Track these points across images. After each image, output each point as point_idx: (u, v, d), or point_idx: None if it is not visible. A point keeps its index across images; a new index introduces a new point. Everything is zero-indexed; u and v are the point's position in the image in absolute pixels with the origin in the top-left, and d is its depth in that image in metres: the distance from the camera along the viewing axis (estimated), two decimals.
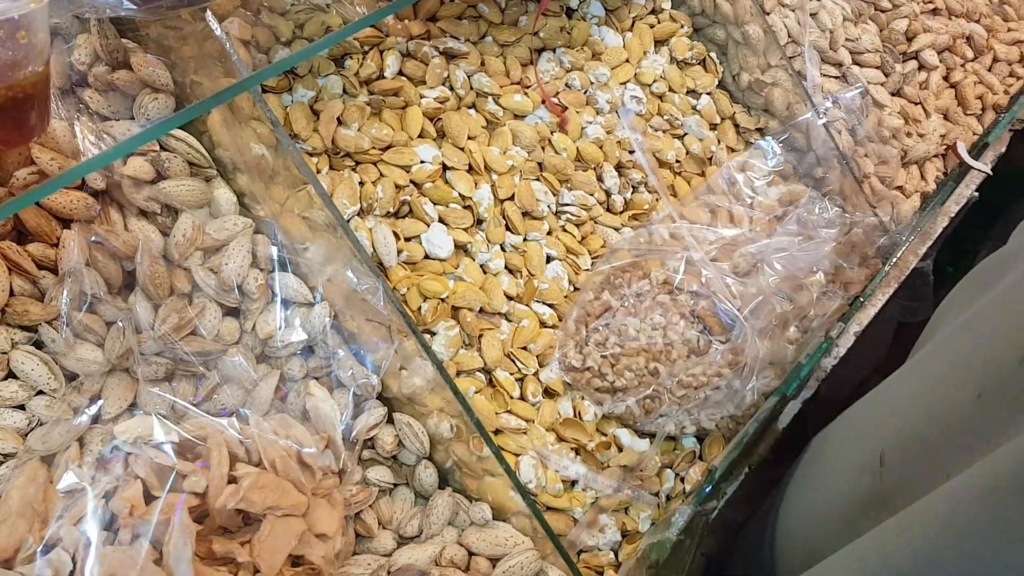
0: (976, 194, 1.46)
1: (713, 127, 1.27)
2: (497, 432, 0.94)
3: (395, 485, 0.91)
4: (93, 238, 0.82)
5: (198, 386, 0.84)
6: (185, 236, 0.84)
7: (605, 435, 1.02)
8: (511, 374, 0.98)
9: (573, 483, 0.97)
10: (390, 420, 0.91)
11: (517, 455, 0.94)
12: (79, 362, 0.79)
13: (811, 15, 1.29)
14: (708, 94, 1.27)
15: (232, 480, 0.76)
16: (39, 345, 0.79)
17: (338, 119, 0.96)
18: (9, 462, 0.76)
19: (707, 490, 0.99)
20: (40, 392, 0.79)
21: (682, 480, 1.03)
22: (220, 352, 0.85)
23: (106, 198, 0.84)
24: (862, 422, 0.90)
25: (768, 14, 1.26)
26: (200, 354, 0.83)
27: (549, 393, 1.01)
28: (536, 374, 1.00)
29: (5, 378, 0.78)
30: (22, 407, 0.78)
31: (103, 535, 0.68)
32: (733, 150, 1.28)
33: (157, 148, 0.85)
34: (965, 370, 0.68)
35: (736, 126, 1.29)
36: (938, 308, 0.94)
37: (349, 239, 0.82)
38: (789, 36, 1.27)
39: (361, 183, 0.96)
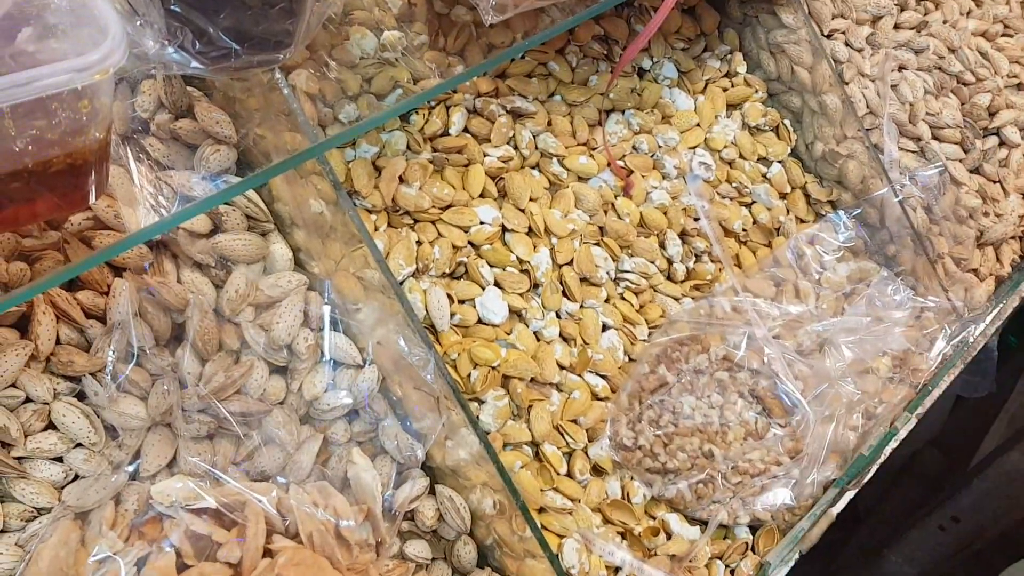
0: None
1: (783, 196, 1.22)
2: (541, 511, 0.91)
3: (433, 559, 0.88)
4: (144, 289, 0.80)
5: (240, 446, 0.82)
6: (238, 292, 0.82)
7: (654, 519, 0.97)
8: (559, 448, 0.94)
9: (617, 570, 0.92)
10: (432, 491, 0.87)
11: (561, 536, 0.90)
12: (121, 416, 0.77)
13: (891, 87, 1.24)
14: (780, 162, 1.22)
15: (268, 553, 0.74)
16: (81, 396, 0.78)
17: (400, 177, 0.93)
18: (43, 517, 0.74)
19: None
20: (79, 445, 0.77)
21: (732, 573, 0.97)
22: (264, 412, 0.82)
23: (161, 248, 0.83)
24: None
25: (847, 84, 1.22)
26: (244, 414, 0.81)
27: (597, 471, 0.97)
28: (585, 449, 0.96)
29: (45, 429, 0.76)
30: (60, 459, 0.77)
31: None
32: (803, 221, 1.23)
33: None
34: None
35: (807, 197, 1.24)
36: None
37: (403, 308, 0.79)
38: (868, 107, 1.22)
39: (419, 242, 0.94)
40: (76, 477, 0.77)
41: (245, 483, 0.79)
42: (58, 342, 0.77)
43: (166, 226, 0.72)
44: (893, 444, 1.18)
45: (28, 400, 0.75)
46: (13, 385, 0.75)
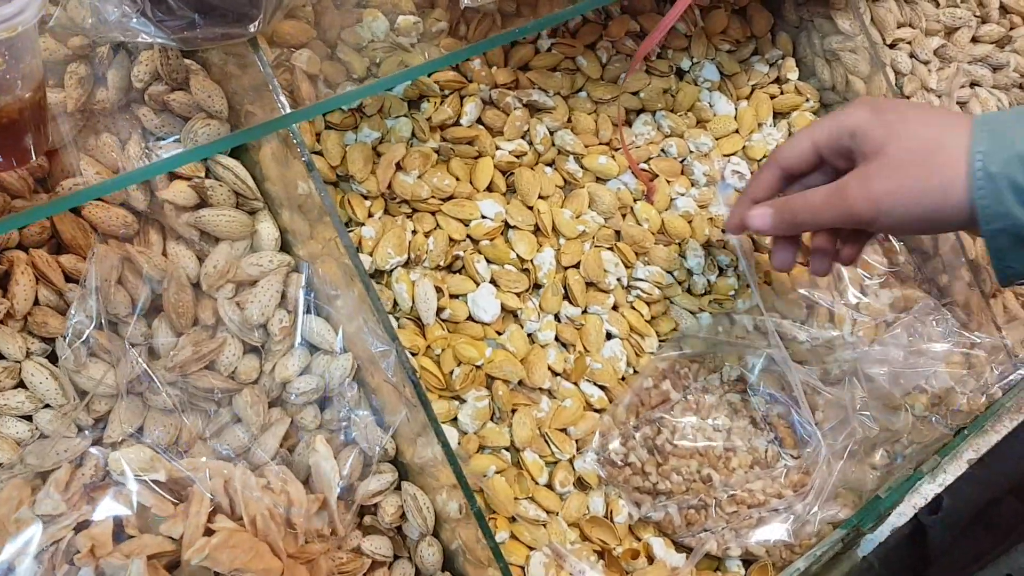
0: None
1: None
2: (513, 519, 0.87)
3: (396, 557, 0.85)
4: (126, 257, 0.81)
5: (207, 422, 0.82)
6: (216, 268, 0.82)
7: (639, 540, 0.92)
8: (542, 457, 0.90)
9: None
10: (400, 487, 0.85)
11: (531, 548, 0.86)
12: (89, 381, 0.78)
13: (959, 104, 1.15)
14: None
15: (209, 532, 0.73)
16: (54, 358, 0.79)
17: (398, 164, 0.91)
18: (2, 473, 0.75)
19: None
20: (47, 405, 0.78)
21: None
22: (233, 391, 0.82)
23: (149, 218, 0.83)
24: None
25: (908, 97, 1.13)
26: (211, 390, 0.81)
27: (583, 485, 0.92)
28: (571, 460, 0.92)
29: (15, 387, 0.77)
30: (28, 418, 0.78)
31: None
32: None
33: (203, 174, 0.83)
34: None
35: None
36: None
37: (369, 296, 0.77)
38: None
39: (414, 232, 0.92)
40: (42, 437, 0.78)
41: (205, 460, 0.79)
42: (37, 303, 0.79)
43: (128, 180, 0.72)
44: (937, 488, 1.10)
45: (1, 357, 0.77)
46: None
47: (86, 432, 0.78)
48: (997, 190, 0.71)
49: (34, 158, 0.59)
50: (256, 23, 0.66)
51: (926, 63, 1.16)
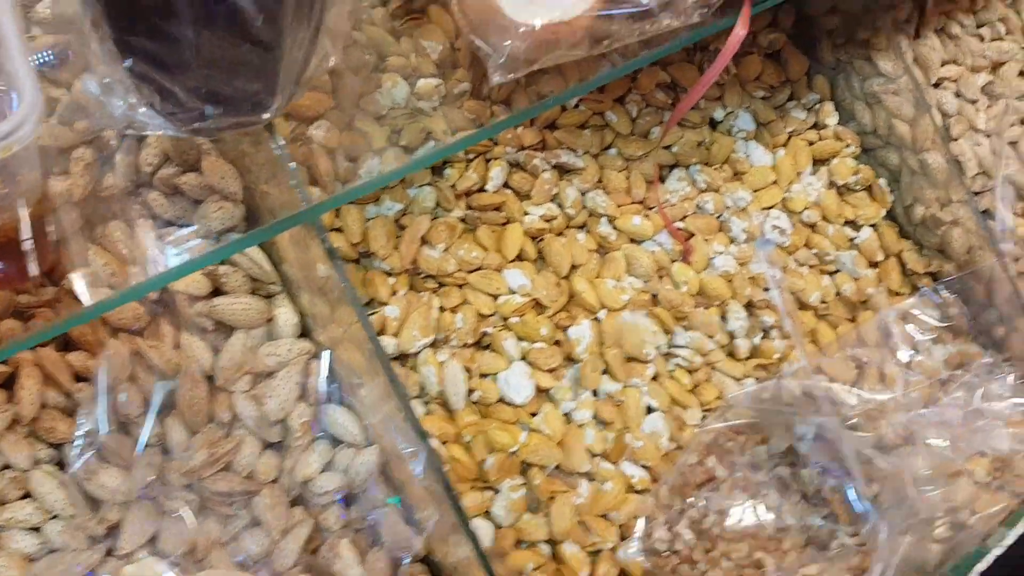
0: None
1: (873, 265, 1.08)
2: None
3: None
4: (136, 353, 0.76)
5: (225, 526, 0.76)
6: (231, 360, 0.77)
7: None
8: (583, 548, 0.85)
9: None
10: None
11: None
12: (101, 488, 0.73)
13: (1010, 143, 1.09)
14: (872, 226, 1.09)
15: None
16: (63, 465, 0.74)
17: (423, 238, 0.86)
18: None
19: None
20: (56, 516, 0.73)
21: None
22: (251, 493, 0.76)
23: (160, 309, 0.78)
24: None
25: (955, 139, 1.07)
26: (229, 494, 0.75)
27: (626, 575, 0.86)
28: (613, 549, 0.86)
29: (23, 497, 0.73)
30: (37, 530, 0.73)
31: None
32: (897, 294, 1.09)
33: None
34: None
35: (903, 266, 1.10)
36: None
37: (395, 392, 0.72)
38: (980, 167, 1.07)
39: (441, 308, 0.86)
40: (51, 552, 0.73)
41: (225, 569, 0.74)
42: (44, 406, 0.74)
43: (138, 292, 0.67)
44: (999, 550, 1.03)
45: (7, 467, 0.72)
46: None
47: (98, 545, 0.73)
48: None
49: (35, 272, 0.54)
50: (270, 111, 0.61)
51: (973, 102, 1.10)
